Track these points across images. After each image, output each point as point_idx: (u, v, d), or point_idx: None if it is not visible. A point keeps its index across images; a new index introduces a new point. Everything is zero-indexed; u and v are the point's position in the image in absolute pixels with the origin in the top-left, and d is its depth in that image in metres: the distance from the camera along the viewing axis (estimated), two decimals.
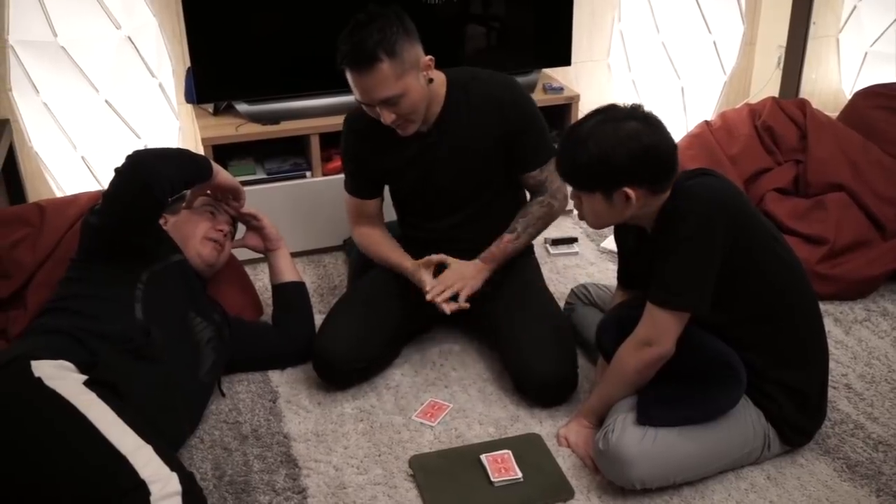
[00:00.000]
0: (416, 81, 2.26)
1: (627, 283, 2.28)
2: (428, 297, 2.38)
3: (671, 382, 2.02)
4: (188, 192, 2.51)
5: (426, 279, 2.43)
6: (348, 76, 2.24)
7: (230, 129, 3.09)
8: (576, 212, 2.08)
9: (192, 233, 2.45)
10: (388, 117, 2.27)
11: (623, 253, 2.27)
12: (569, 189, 2.07)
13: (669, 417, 2.00)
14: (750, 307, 2.00)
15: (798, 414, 2.09)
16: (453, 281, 2.41)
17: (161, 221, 2.42)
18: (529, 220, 2.49)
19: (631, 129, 1.89)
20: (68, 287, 2.23)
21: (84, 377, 1.91)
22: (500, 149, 2.42)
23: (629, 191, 1.91)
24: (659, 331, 1.97)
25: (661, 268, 1.95)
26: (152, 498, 1.66)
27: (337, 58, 2.22)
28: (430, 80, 2.31)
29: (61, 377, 1.87)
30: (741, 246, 1.93)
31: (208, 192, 2.51)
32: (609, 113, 1.95)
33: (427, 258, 2.44)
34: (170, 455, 1.79)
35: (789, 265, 2.04)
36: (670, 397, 2.01)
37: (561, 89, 3.43)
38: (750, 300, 2.00)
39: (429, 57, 2.30)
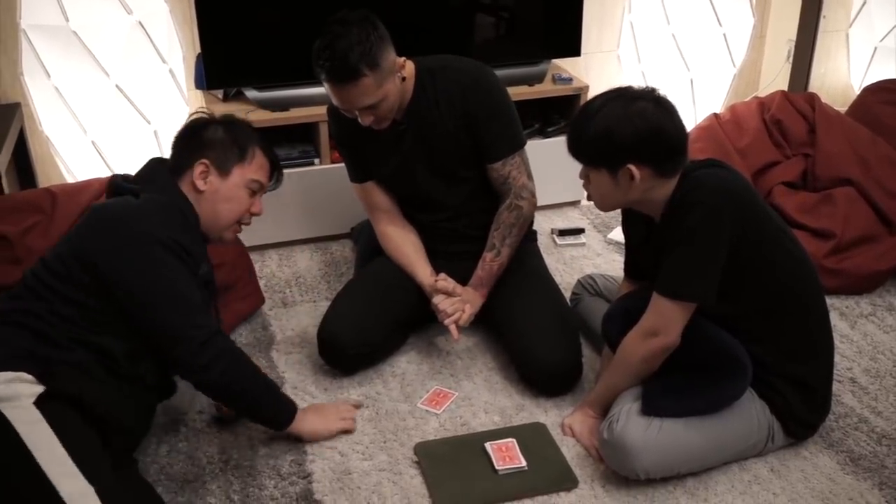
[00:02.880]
0: (393, 85, 2.29)
1: (634, 274, 2.29)
2: (446, 322, 2.42)
3: (677, 373, 2.02)
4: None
5: (438, 301, 2.45)
6: (327, 87, 2.26)
7: (239, 115, 3.07)
8: (584, 197, 2.09)
9: (228, 213, 2.12)
10: (366, 119, 2.31)
11: (630, 244, 2.27)
12: (575, 172, 2.07)
13: (675, 408, 2.00)
14: (758, 300, 2.01)
15: (803, 407, 2.09)
16: (461, 305, 2.44)
17: (199, 170, 2.06)
18: (504, 230, 2.48)
19: (639, 108, 1.91)
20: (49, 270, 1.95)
21: (38, 391, 1.74)
22: (466, 134, 2.42)
23: (633, 168, 1.92)
24: (665, 321, 1.97)
25: (668, 258, 1.96)
26: None
27: (314, 69, 2.23)
28: (403, 79, 2.34)
29: (13, 398, 1.71)
30: (749, 238, 1.93)
31: (257, 180, 2.15)
32: (622, 92, 1.97)
33: (443, 284, 2.46)
34: (113, 495, 1.69)
35: (798, 259, 2.04)
36: (676, 388, 2.01)
37: (570, 80, 3.42)
38: (758, 293, 2.00)
39: (402, 58, 2.33)
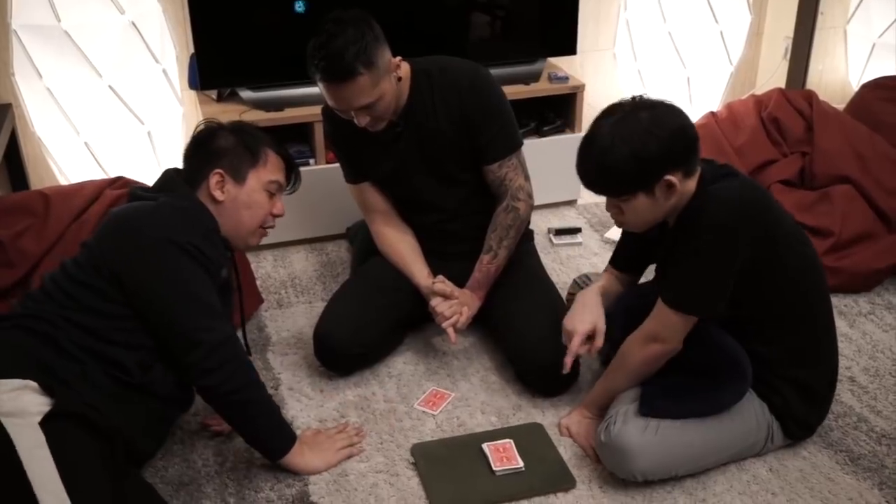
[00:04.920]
0: (389, 85, 2.27)
1: (622, 265, 2.26)
2: (443, 325, 2.40)
3: (677, 375, 2.01)
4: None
5: (436, 304, 2.43)
6: (322, 87, 2.24)
7: (234, 115, 3.07)
8: (580, 196, 2.06)
9: (251, 219, 2.11)
10: (362, 120, 2.29)
11: (627, 238, 2.23)
12: (584, 192, 2.05)
13: (673, 410, 1.99)
14: (768, 305, 1.98)
15: (803, 408, 2.08)
16: (459, 308, 2.42)
17: (214, 180, 2.05)
18: (500, 233, 2.46)
19: (648, 118, 1.84)
20: (69, 277, 1.94)
21: (45, 407, 1.70)
22: (463, 136, 2.41)
23: (670, 178, 1.85)
24: (668, 329, 1.95)
25: (677, 270, 1.93)
26: None
27: (308, 69, 2.21)
28: (399, 79, 2.33)
29: (19, 414, 1.67)
30: (762, 254, 1.89)
31: (275, 180, 2.14)
32: (619, 111, 1.88)
33: (440, 286, 2.44)
34: None
35: (812, 265, 2.02)
36: (675, 390, 2.00)
37: (566, 79, 3.41)
38: (768, 299, 1.98)
39: (398, 57, 2.31)
